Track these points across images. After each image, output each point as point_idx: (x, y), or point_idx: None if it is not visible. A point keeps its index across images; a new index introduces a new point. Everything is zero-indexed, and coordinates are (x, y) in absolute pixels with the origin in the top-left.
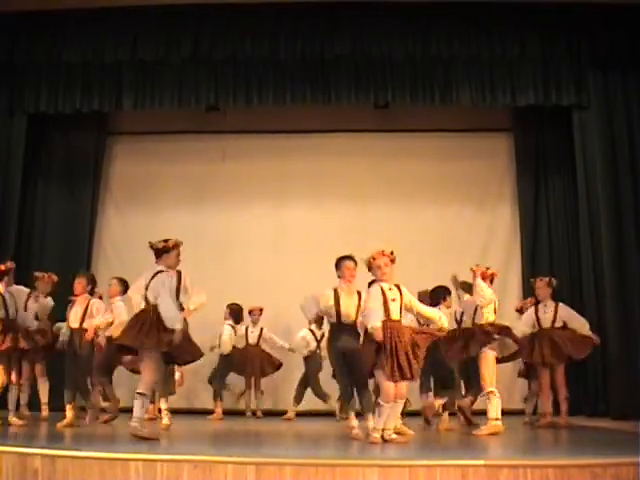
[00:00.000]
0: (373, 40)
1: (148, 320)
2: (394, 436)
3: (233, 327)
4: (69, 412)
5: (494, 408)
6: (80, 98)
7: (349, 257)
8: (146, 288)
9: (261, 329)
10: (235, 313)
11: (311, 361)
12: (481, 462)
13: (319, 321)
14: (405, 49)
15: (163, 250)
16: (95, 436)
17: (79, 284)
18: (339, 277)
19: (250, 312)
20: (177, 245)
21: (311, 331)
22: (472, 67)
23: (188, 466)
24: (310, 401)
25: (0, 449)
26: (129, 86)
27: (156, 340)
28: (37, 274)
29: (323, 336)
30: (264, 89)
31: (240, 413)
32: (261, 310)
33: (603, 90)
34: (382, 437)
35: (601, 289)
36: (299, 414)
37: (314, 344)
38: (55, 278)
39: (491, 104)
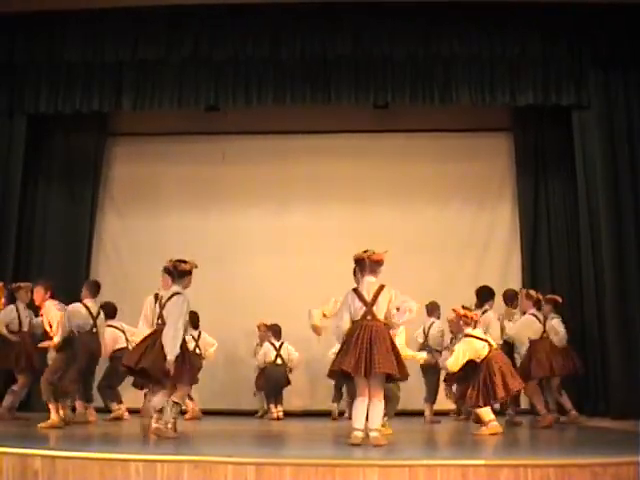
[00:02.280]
0: (373, 40)
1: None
2: (374, 434)
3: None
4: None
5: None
6: (80, 98)
7: None
8: (162, 307)
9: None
10: (276, 332)
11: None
12: (481, 462)
13: None
14: (405, 49)
15: (187, 272)
16: (95, 436)
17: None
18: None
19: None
20: (195, 267)
21: (271, 343)
22: (472, 67)
23: (188, 466)
24: (310, 401)
25: (0, 450)
26: (129, 86)
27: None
28: (17, 285)
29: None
30: (264, 89)
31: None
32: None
33: (603, 90)
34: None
35: (601, 289)
36: (299, 414)
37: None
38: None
39: (491, 104)
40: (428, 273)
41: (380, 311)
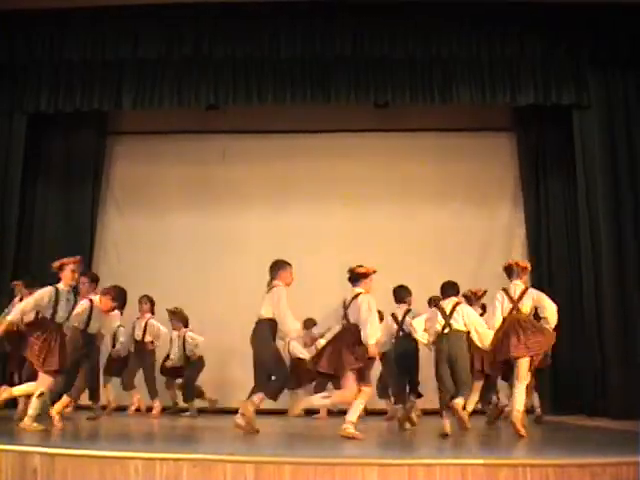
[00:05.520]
0: (373, 39)
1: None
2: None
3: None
4: None
5: None
6: (80, 97)
7: None
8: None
9: None
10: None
11: None
12: (480, 461)
13: None
14: (405, 48)
15: (365, 275)
16: (94, 435)
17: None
18: None
19: None
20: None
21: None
22: (472, 66)
23: (187, 465)
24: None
25: None
26: (129, 85)
27: None
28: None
29: None
30: (264, 88)
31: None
32: None
33: (603, 89)
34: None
35: (601, 289)
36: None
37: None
38: None
39: (491, 103)
40: (428, 272)
41: (524, 307)
